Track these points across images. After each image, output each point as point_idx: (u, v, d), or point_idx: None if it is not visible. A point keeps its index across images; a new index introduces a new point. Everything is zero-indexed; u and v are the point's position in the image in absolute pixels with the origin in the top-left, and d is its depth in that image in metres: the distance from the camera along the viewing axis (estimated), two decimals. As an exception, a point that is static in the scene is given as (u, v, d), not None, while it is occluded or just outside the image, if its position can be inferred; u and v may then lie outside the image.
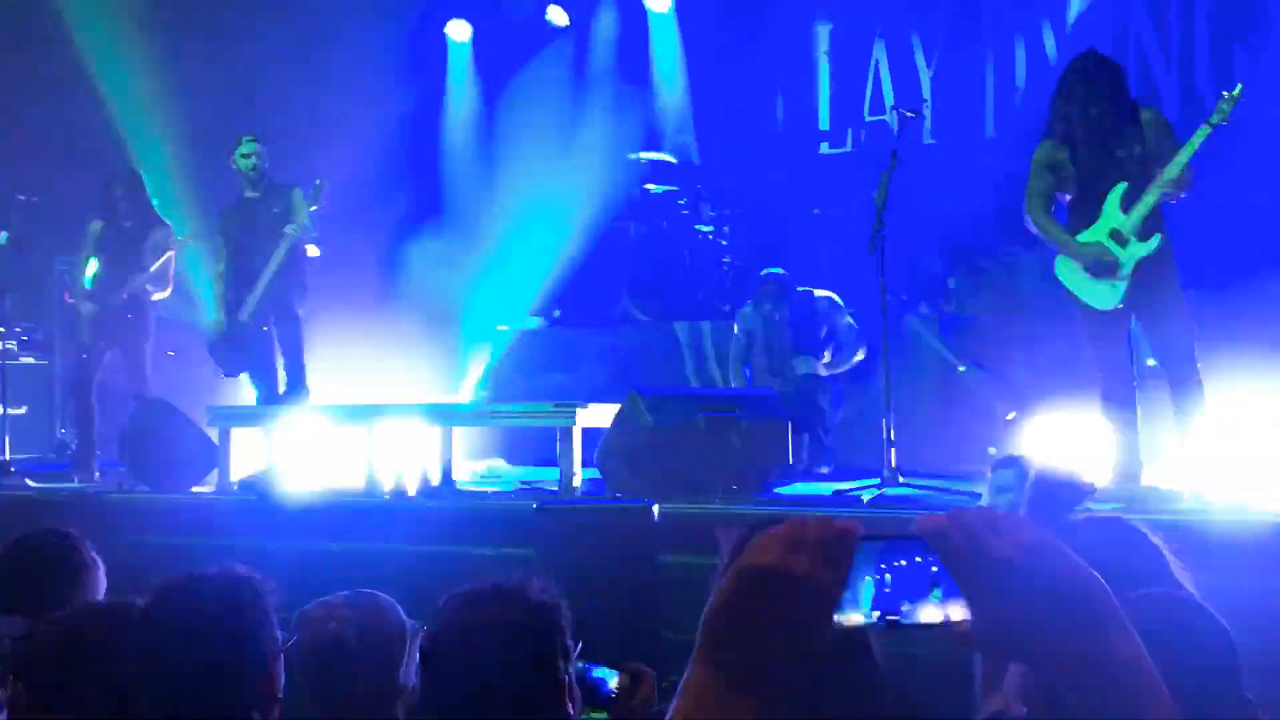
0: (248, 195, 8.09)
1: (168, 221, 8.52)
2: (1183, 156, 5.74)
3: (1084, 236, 5.95)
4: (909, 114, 6.82)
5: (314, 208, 7.87)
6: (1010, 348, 9.02)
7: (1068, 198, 6.10)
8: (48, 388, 10.22)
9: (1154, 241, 5.79)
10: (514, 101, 11.18)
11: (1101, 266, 5.90)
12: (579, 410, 6.74)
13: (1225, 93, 5.78)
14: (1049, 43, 9.76)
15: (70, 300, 8.51)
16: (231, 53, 10.53)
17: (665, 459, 6.35)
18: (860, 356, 7.76)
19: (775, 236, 8.85)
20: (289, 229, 7.82)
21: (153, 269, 8.22)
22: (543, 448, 7.39)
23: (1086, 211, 5.97)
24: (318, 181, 7.90)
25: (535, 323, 9.53)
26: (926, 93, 10.18)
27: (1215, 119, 5.69)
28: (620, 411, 6.56)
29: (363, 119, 11.02)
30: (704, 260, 9.13)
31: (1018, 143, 9.83)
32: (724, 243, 9.03)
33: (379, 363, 9.43)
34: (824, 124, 10.18)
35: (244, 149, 8.02)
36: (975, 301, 9.18)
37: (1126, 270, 5.84)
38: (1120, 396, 6.03)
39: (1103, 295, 5.93)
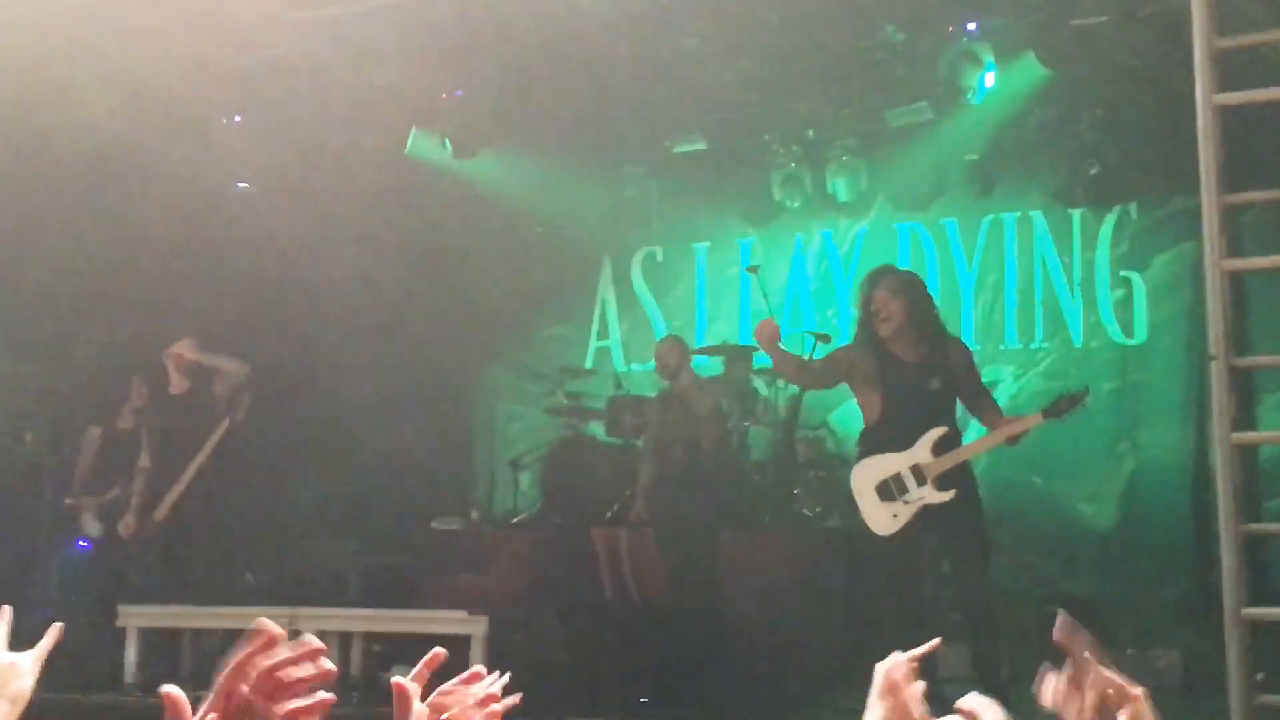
0: None
1: None
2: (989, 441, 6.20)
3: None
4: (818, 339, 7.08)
5: None
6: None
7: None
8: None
9: (945, 495, 6.08)
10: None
11: (891, 488, 6.16)
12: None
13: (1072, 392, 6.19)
14: (961, 264, 10.17)
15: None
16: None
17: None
18: None
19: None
20: None
21: None
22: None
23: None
24: None
25: (453, 523, 9.53)
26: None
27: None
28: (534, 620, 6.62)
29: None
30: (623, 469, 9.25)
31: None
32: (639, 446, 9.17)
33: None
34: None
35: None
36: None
37: (911, 506, 6.11)
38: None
39: (883, 520, 6.18)
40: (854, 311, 6.58)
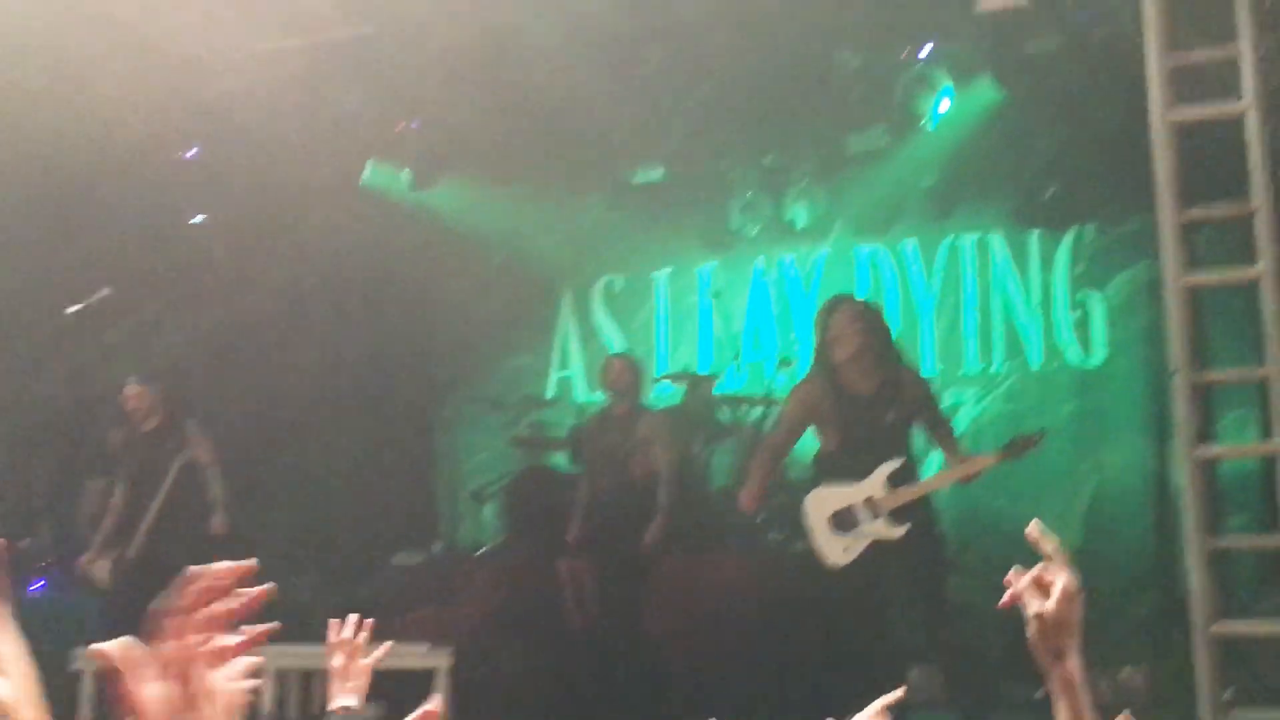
0: None
1: None
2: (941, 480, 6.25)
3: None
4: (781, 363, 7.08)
5: None
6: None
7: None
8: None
9: (899, 530, 6.04)
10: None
11: (844, 520, 6.12)
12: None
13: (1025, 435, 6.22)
14: (921, 287, 10.19)
15: None
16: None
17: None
18: None
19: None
20: None
21: None
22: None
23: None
24: None
25: (415, 558, 9.44)
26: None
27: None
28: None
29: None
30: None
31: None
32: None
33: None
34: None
35: None
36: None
37: (863, 539, 6.08)
38: None
39: (835, 551, 6.14)
40: (812, 339, 6.58)
